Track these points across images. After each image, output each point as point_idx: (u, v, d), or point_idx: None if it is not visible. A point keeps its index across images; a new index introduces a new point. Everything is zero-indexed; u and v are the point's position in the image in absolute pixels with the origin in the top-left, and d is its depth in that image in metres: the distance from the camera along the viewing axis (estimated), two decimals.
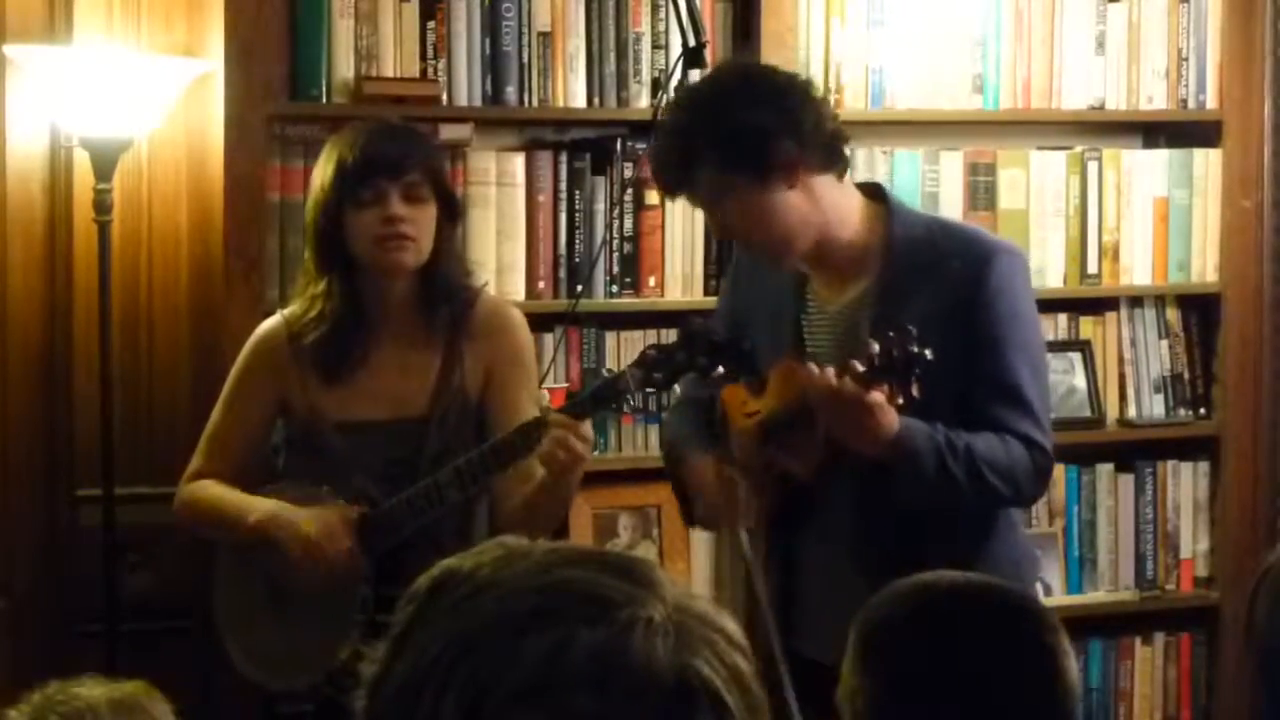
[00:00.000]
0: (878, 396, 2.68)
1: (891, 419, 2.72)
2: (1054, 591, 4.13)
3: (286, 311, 3.23)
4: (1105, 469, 4.23)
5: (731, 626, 1.04)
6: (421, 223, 3.11)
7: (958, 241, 2.93)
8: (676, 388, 3.15)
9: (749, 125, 2.81)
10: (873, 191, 3.00)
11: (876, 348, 2.66)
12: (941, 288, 2.86)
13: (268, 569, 3.14)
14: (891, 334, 2.65)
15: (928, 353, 2.62)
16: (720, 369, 2.93)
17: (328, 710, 3.09)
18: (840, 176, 2.92)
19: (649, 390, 3.02)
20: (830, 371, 2.69)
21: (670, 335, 3.41)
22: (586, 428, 2.96)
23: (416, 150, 3.16)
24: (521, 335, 3.24)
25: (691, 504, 3.07)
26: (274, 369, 3.21)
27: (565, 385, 3.73)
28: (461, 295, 3.20)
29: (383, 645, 1.05)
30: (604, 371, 3.77)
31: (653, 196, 3.89)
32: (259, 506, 3.13)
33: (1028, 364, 2.89)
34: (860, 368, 2.67)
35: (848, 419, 2.72)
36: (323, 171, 3.13)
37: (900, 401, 2.69)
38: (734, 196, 2.85)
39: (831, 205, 2.90)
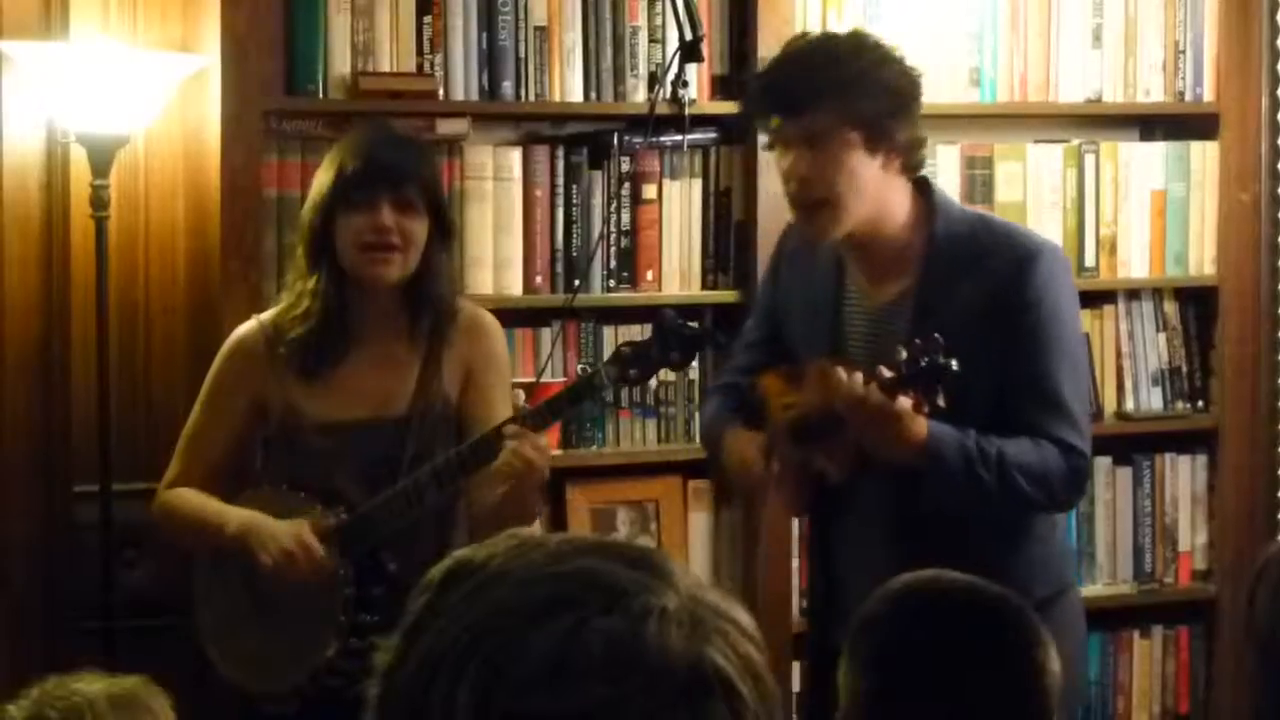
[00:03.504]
0: (904, 404, 2.67)
1: (919, 427, 2.71)
2: None
3: (264, 315, 3.23)
4: (1103, 462, 4.21)
5: (744, 617, 1.04)
6: (410, 234, 3.10)
7: (1000, 240, 2.91)
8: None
9: (893, 88, 2.89)
10: (918, 185, 2.98)
11: (905, 355, 2.65)
12: (981, 287, 2.85)
13: (247, 574, 3.14)
14: (919, 342, 2.64)
15: (954, 364, 2.61)
16: (694, 363, 2.93)
17: (310, 711, 3.10)
18: (908, 180, 2.96)
19: (625, 386, 3.02)
20: (859, 378, 2.68)
21: None
22: (541, 438, 2.96)
23: (416, 162, 3.16)
24: (499, 340, 3.26)
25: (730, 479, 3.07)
26: (250, 372, 3.20)
27: (563, 380, 3.72)
28: (445, 309, 3.19)
29: (396, 635, 1.05)
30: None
31: (650, 191, 3.89)
32: (236, 517, 3.13)
33: (1067, 367, 2.88)
34: (887, 374, 2.66)
35: (873, 426, 2.71)
36: (326, 172, 3.13)
37: (926, 411, 2.68)
38: (836, 147, 2.85)
39: (890, 198, 2.91)
